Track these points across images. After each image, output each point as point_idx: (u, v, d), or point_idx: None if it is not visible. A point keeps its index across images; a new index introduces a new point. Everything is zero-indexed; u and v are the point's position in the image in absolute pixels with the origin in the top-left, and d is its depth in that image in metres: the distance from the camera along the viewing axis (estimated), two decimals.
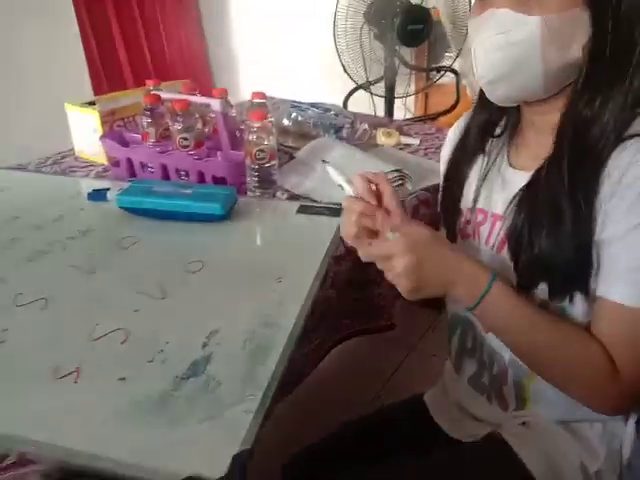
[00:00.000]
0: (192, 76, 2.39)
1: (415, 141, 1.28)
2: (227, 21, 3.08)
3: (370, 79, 2.24)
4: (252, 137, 0.89)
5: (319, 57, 2.51)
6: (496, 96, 0.60)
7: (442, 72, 2.35)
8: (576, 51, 0.54)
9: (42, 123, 2.14)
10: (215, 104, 0.96)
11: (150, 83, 1.06)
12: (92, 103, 1.10)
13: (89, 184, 0.97)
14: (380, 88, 2.26)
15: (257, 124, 0.88)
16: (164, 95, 0.97)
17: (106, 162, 1.10)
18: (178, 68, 2.82)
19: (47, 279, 0.68)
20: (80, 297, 0.65)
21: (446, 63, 2.34)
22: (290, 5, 2.81)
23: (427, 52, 2.36)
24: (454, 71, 2.29)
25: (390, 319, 0.92)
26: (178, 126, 0.93)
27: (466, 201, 0.72)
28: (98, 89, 2.37)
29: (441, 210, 0.78)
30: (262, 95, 1.00)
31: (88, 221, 0.84)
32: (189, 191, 0.84)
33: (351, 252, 0.81)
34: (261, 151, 0.90)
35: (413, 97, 2.58)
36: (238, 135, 1.01)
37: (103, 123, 1.06)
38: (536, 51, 0.54)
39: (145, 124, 0.96)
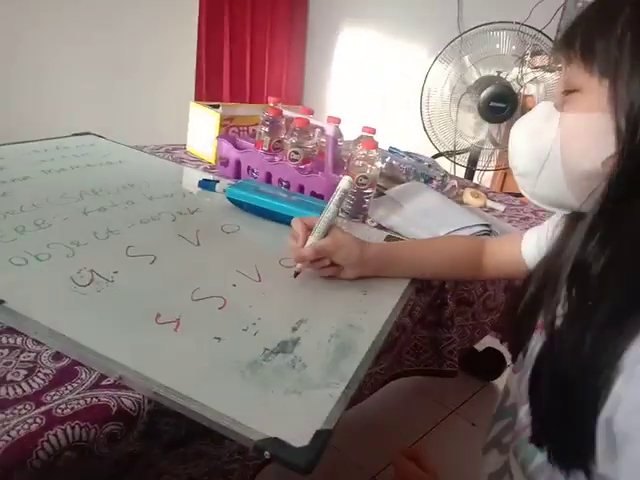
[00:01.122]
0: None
1: (501, 207, 1.29)
2: (327, 65, 3.29)
3: (456, 148, 2.30)
4: (358, 163, 0.94)
5: (404, 115, 2.63)
6: (527, 193, 0.56)
7: None
8: (598, 162, 0.46)
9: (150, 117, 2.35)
10: (329, 128, 1.02)
11: (272, 100, 1.14)
12: (215, 107, 1.19)
13: (199, 174, 1.04)
14: (463, 157, 2.32)
15: (365, 152, 0.94)
16: (286, 112, 1.04)
17: (213, 161, 1.18)
18: (271, 92, 3.02)
19: (156, 241, 0.73)
20: (185, 262, 0.69)
21: None
22: (387, 65, 2.99)
23: None
24: None
25: (454, 366, 0.91)
26: (293, 140, 1.00)
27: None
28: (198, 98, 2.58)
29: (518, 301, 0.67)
30: (373, 130, 1.06)
31: (196, 203, 0.90)
32: (294, 197, 0.89)
33: (431, 287, 0.83)
34: (364, 177, 0.94)
35: (492, 173, 2.62)
36: (340, 161, 1.07)
37: (221, 126, 1.15)
38: (556, 149, 0.50)
39: (262, 132, 1.03)
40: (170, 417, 0.49)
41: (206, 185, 0.96)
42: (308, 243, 0.68)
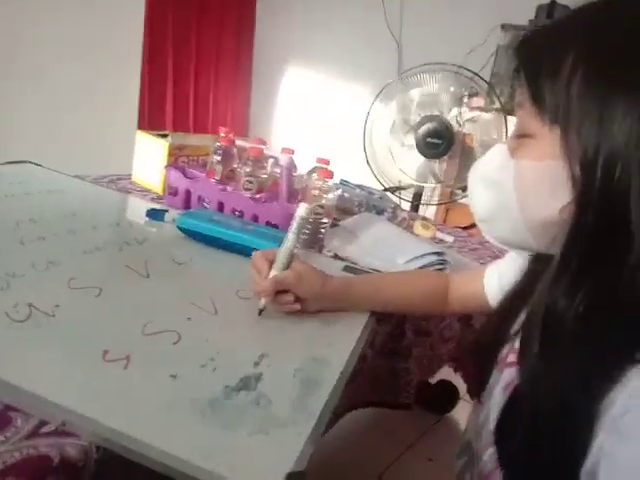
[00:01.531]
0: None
1: (450, 238, 1.32)
2: (273, 98, 3.34)
3: (401, 183, 2.36)
4: (314, 192, 0.93)
5: (351, 150, 2.69)
6: (489, 237, 0.55)
7: (466, 192, 2.47)
8: (555, 210, 0.44)
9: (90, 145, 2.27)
10: (283, 158, 1.01)
11: (223, 130, 1.12)
12: (163, 136, 1.15)
13: (146, 204, 0.99)
14: (407, 192, 2.38)
15: (321, 181, 0.93)
16: (239, 141, 1.02)
17: (161, 191, 1.13)
18: (216, 123, 3.02)
19: (102, 272, 0.68)
20: (134, 295, 0.64)
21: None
22: (332, 101, 3.07)
23: (457, 171, 2.51)
24: None
25: (409, 398, 0.89)
26: (247, 169, 0.97)
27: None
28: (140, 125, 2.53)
29: (481, 336, 0.72)
30: (327, 161, 1.06)
31: (144, 233, 0.85)
32: (249, 227, 0.86)
33: (391, 316, 0.82)
34: (320, 207, 0.93)
35: (435, 207, 2.70)
36: (294, 191, 1.05)
37: (170, 155, 1.11)
38: (512, 198, 0.48)
39: (214, 161, 1.00)
40: (123, 465, 0.44)
41: (154, 215, 0.92)
42: (270, 276, 0.65)
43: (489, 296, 0.73)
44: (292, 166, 1.04)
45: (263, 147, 1.07)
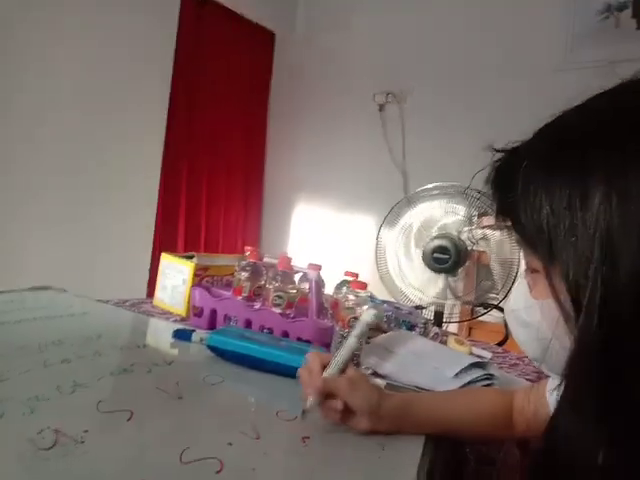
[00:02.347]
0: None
1: (487, 354, 1.24)
2: (284, 226, 3.43)
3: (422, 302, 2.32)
4: (349, 304, 0.89)
5: (365, 271, 2.69)
6: (548, 372, 0.53)
7: (487, 309, 2.42)
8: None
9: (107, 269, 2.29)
10: (312, 274, 0.99)
11: (249, 249, 1.12)
12: (188, 257, 1.15)
13: (171, 325, 0.95)
14: (429, 311, 2.33)
15: (355, 293, 0.90)
16: (266, 258, 1.01)
17: (184, 314, 1.09)
18: (228, 245, 3.08)
19: (132, 394, 0.62)
20: (167, 418, 0.58)
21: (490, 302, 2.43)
22: (341, 222, 3.17)
23: (474, 289, 2.48)
24: (502, 310, 2.36)
25: None
26: (275, 284, 0.95)
27: None
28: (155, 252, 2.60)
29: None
30: (355, 275, 1.04)
31: (172, 354, 0.80)
32: (282, 343, 0.81)
33: (447, 440, 0.73)
34: (355, 319, 0.88)
35: (456, 326, 2.63)
36: (322, 307, 1.02)
37: (195, 276, 1.09)
38: (548, 333, 0.46)
39: (242, 278, 0.98)
40: None
41: (181, 335, 0.87)
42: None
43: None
44: (321, 281, 1.02)
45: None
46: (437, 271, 2.29)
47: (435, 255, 2.23)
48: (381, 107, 3.12)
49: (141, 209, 2.63)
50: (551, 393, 0.67)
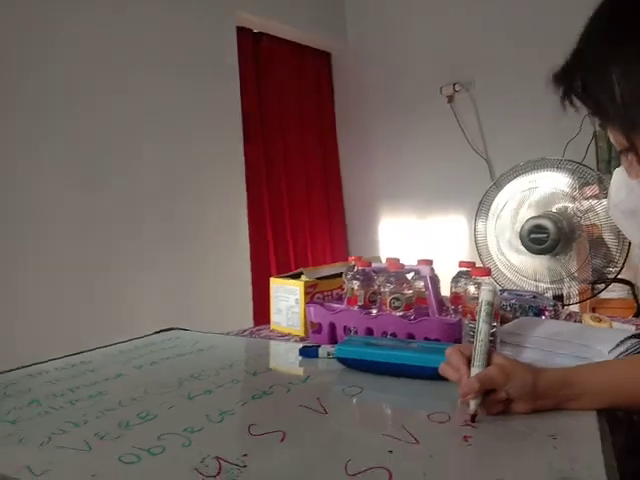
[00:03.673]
0: None
1: (631, 327, 1.12)
2: (371, 229, 3.40)
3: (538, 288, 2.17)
4: (474, 294, 0.84)
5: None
6: None
7: (606, 284, 2.22)
8: None
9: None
10: (425, 270, 0.95)
11: (352, 259, 1.10)
12: (294, 276, 1.15)
13: (294, 345, 0.95)
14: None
15: (478, 281, 0.84)
16: (375, 264, 0.99)
17: (302, 333, 1.09)
18: (317, 263, 3.17)
19: (278, 415, 0.61)
20: (319, 433, 0.56)
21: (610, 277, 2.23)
22: (433, 217, 3.07)
23: (590, 265, 2.29)
24: (627, 282, 2.16)
25: None
26: (389, 287, 0.92)
27: None
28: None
29: None
30: (472, 264, 0.98)
31: (305, 372, 0.79)
32: (413, 345, 0.77)
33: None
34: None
35: (577, 307, 2.44)
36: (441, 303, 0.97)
37: (306, 294, 1.09)
38: None
39: (355, 287, 0.96)
40: None
41: (308, 352, 0.86)
42: (472, 375, 0.55)
43: None
44: (435, 276, 0.98)
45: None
46: (537, 252, 2.14)
47: (532, 236, 2.09)
48: (450, 98, 3.03)
49: (234, 240, 2.73)
50: None
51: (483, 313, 0.60)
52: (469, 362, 0.59)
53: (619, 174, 0.51)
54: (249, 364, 0.83)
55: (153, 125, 2.39)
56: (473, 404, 0.54)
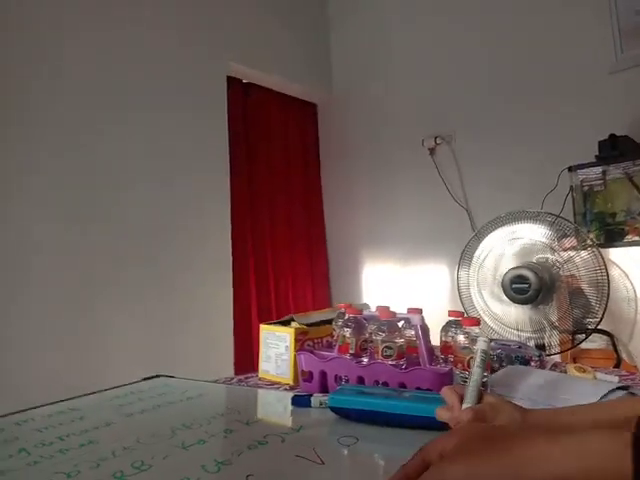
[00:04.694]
0: None
1: (614, 378, 1.14)
2: (354, 276, 3.41)
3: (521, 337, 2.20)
4: (464, 343, 0.85)
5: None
6: None
7: (586, 334, 2.26)
8: None
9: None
10: (415, 319, 0.97)
11: (341, 306, 1.11)
12: (284, 323, 1.15)
13: (285, 394, 0.94)
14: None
15: (468, 331, 0.86)
16: (366, 312, 1.00)
17: (292, 382, 1.08)
18: (300, 310, 3.17)
19: (275, 465, 0.61)
20: None
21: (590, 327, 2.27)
22: (415, 266, 3.11)
23: (571, 315, 2.33)
24: (607, 333, 2.20)
25: None
26: (382, 335, 0.93)
27: None
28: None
29: None
30: (460, 314, 1.00)
31: (298, 421, 0.78)
32: (406, 394, 0.78)
33: None
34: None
35: (559, 357, 2.46)
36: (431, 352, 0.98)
37: (296, 341, 1.09)
38: None
39: (347, 334, 0.97)
40: None
41: (300, 401, 0.85)
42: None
43: None
44: (425, 325, 0.99)
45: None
46: (519, 302, 2.18)
47: (514, 286, 2.13)
48: (431, 151, 3.13)
49: (218, 285, 2.71)
50: None
51: (478, 359, 0.64)
52: (462, 400, 0.61)
53: None
54: (241, 413, 0.81)
55: (140, 167, 2.42)
56: None
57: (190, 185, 2.61)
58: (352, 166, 3.48)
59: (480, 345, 0.66)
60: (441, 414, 0.64)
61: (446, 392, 0.65)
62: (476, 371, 0.64)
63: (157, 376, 1.10)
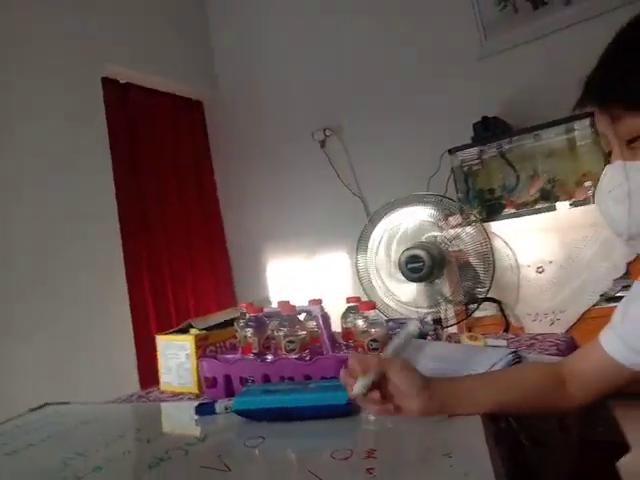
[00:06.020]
0: None
1: (503, 342, 1.23)
2: (258, 272, 3.39)
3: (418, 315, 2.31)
4: (363, 327, 0.87)
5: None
6: None
7: (477, 304, 2.44)
8: None
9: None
10: (315, 309, 0.97)
11: (243, 306, 1.09)
12: (183, 331, 1.11)
13: (188, 404, 0.90)
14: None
15: (366, 315, 0.88)
16: (267, 309, 0.99)
17: (196, 390, 1.04)
18: (202, 312, 3.12)
19: None
20: None
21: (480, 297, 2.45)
22: (317, 255, 3.16)
23: (462, 287, 2.49)
24: (495, 301, 2.38)
25: None
26: (283, 330, 0.92)
27: None
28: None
29: None
30: (357, 299, 1.02)
31: (202, 430, 0.75)
32: (311, 386, 0.78)
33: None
34: (374, 340, 0.87)
35: (456, 328, 2.64)
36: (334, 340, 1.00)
37: (197, 348, 1.05)
38: None
39: (249, 334, 0.95)
40: None
41: (204, 409, 0.82)
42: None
43: (627, 363, 0.64)
44: (325, 314, 1.00)
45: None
46: (416, 280, 2.30)
47: (409, 266, 2.25)
48: (322, 143, 3.18)
49: (111, 304, 2.56)
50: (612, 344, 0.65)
51: (402, 337, 0.71)
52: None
53: (613, 167, 0.56)
54: (142, 432, 0.77)
55: (16, 184, 2.21)
56: (359, 384, 0.62)
57: (74, 203, 2.43)
58: (245, 163, 3.44)
59: (410, 328, 0.72)
60: (347, 371, 0.67)
61: (353, 357, 0.68)
62: (402, 335, 0.71)
63: (46, 404, 1.01)
